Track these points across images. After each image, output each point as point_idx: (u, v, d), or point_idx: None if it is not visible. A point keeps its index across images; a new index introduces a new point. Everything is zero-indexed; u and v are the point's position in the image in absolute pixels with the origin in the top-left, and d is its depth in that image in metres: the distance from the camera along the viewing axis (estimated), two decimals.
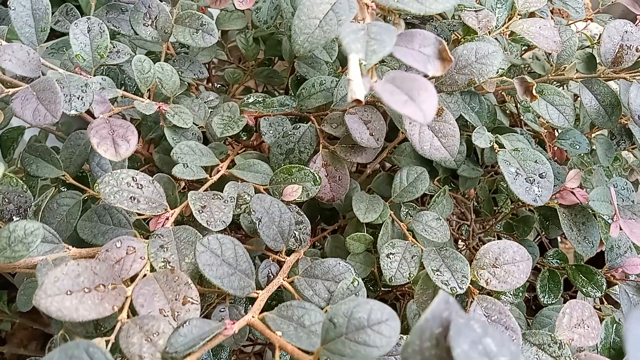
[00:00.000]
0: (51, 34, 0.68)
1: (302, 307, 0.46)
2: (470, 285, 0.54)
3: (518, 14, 0.63)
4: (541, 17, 0.73)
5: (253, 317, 0.46)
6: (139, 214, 0.64)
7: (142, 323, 0.43)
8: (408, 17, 0.72)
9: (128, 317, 0.44)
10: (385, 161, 0.74)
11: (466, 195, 0.73)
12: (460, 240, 0.83)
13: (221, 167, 0.67)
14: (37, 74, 0.58)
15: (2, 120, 0.56)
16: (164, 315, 0.45)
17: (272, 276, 0.60)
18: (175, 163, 0.64)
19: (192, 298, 0.46)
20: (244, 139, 0.77)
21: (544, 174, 0.58)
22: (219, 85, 0.92)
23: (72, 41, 0.62)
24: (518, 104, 0.75)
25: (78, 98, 0.58)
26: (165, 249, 0.51)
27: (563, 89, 0.80)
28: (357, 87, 0.36)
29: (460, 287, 0.53)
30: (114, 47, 0.68)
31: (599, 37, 0.64)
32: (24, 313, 0.90)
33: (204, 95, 0.76)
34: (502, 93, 0.79)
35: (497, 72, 0.60)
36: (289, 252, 0.61)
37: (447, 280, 0.53)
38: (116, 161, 0.57)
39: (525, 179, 0.58)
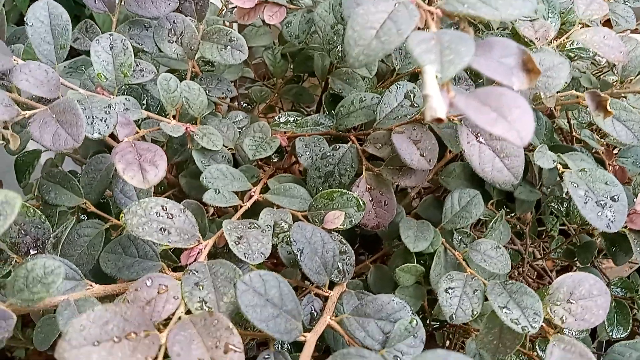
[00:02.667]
0: (68, 52, 0.64)
1: (362, 355, 0.40)
2: (543, 324, 0.47)
3: (580, 23, 0.57)
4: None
5: None
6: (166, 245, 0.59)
7: None
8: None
9: None
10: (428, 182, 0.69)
11: (520, 220, 0.67)
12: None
13: (254, 192, 0.61)
14: (56, 95, 0.53)
15: (18, 145, 0.52)
16: None
17: (315, 313, 0.54)
18: (204, 188, 0.59)
19: (234, 345, 0.40)
20: (275, 160, 0.72)
21: (616, 197, 0.52)
22: (244, 105, 0.87)
23: (94, 59, 0.58)
24: (570, 120, 0.69)
25: (101, 120, 0.53)
26: (200, 287, 0.45)
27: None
28: (437, 104, 0.31)
29: (532, 327, 0.47)
30: (137, 65, 0.64)
31: None
32: None
33: (232, 115, 0.71)
34: (552, 109, 0.73)
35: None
36: (331, 285, 0.55)
37: (517, 319, 0.47)
38: (143, 188, 0.52)
39: (596, 202, 0.52)
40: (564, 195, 0.78)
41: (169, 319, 0.43)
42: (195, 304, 0.44)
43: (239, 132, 0.69)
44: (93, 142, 0.91)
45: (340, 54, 0.60)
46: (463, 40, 0.34)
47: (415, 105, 0.58)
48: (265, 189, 0.62)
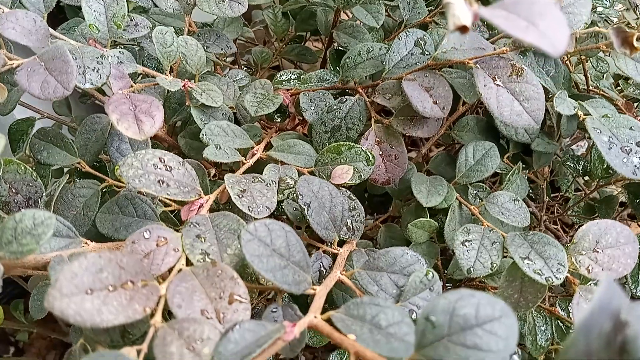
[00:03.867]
0: (61, 16, 0.60)
1: (376, 304, 0.37)
2: (568, 275, 0.45)
3: None
4: None
5: (315, 317, 0.37)
6: (166, 205, 0.56)
7: (181, 328, 0.34)
8: None
9: (163, 321, 0.36)
10: (438, 140, 0.65)
11: (538, 175, 0.64)
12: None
13: (257, 150, 0.58)
14: (45, 45, 0.50)
15: (5, 99, 0.49)
16: (207, 318, 0.36)
17: (324, 270, 0.51)
18: (205, 147, 0.56)
19: (239, 296, 0.38)
20: (278, 121, 0.69)
21: None
22: (245, 69, 0.83)
23: (85, 9, 0.54)
24: (587, 71, 0.66)
25: (93, 70, 0.50)
26: (202, 239, 0.42)
27: None
28: (461, 11, 0.28)
29: (556, 277, 0.44)
30: (131, 20, 0.60)
31: None
32: (41, 322, 0.82)
33: (232, 73, 0.68)
34: (566, 62, 0.70)
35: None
36: (341, 244, 0.52)
37: (539, 270, 0.44)
38: (140, 140, 0.49)
39: (621, 148, 0.49)
40: (579, 154, 0.75)
41: (168, 273, 0.40)
42: (197, 255, 0.41)
43: (240, 91, 0.66)
44: (89, 110, 0.88)
45: None
46: None
47: (427, 52, 0.55)
48: (269, 148, 0.59)
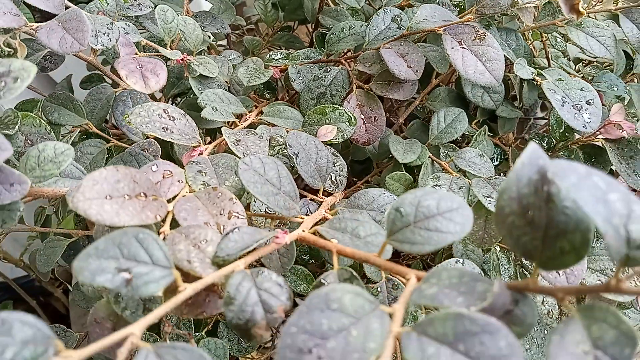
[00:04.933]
0: None
1: (356, 219, 0.42)
2: None
3: None
4: None
5: (304, 231, 0.42)
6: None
7: (187, 232, 0.40)
8: None
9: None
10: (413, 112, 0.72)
11: (503, 141, 0.70)
12: None
13: (249, 116, 0.64)
14: (61, 11, 0.56)
15: (25, 55, 0.54)
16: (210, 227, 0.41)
17: (311, 214, 0.56)
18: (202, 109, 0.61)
19: (237, 213, 0.43)
20: (268, 97, 0.75)
21: (591, 101, 0.56)
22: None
23: None
24: (547, 49, 0.73)
25: (104, 34, 0.55)
26: (203, 174, 0.48)
27: None
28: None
29: None
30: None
31: None
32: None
33: (227, 53, 0.74)
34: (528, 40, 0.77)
35: None
36: (327, 195, 0.58)
37: None
38: (146, 92, 0.54)
39: (573, 106, 0.56)
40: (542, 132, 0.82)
41: (174, 199, 0.45)
42: (198, 185, 0.46)
43: (233, 68, 0.72)
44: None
45: None
46: None
47: (402, 27, 0.62)
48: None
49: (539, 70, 0.60)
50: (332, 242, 0.40)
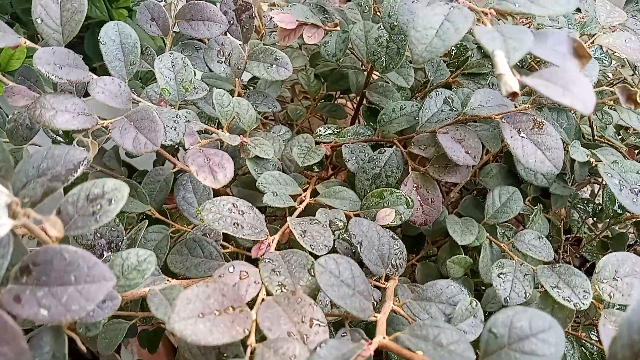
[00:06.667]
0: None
1: (437, 325, 0.43)
2: (594, 301, 0.51)
3: (602, 28, 0.63)
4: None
5: (384, 338, 0.43)
6: (224, 248, 0.62)
7: (276, 346, 0.40)
8: None
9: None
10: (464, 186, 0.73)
11: (555, 216, 0.71)
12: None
13: (305, 197, 0.65)
14: (128, 107, 0.58)
15: (96, 152, 0.56)
16: (294, 339, 0.42)
17: (375, 303, 0.57)
18: (260, 194, 0.63)
19: (318, 320, 0.44)
20: (317, 171, 0.76)
21: None
22: (281, 124, 0.92)
23: (158, 76, 0.62)
24: (593, 123, 0.74)
25: (171, 128, 0.57)
26: (277, 273, 0.49)
27: None
28: (511, 81, 0.35)
29: (582, 303, 0.50)
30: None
31: None
32: None
33: (276, 129, 0.76)
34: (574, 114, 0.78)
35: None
36: (386, 279, 0.59)
37: (568, 297, 0.51)
38: (214, 187, 0.56)
39: (630, 190, 0.56)
40: (589, 197, 0.82)
41: (252, 302, 0.46)
42: (275, 287, 0.47)
43: (284, 145, 0.74)
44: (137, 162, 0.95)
45: (384, 63, 0.65)
46: (523, 31, 0.39)
47: (454, 109, 0.63)
48: (314, 195, 0.66)
49: (592, 151, 0.61)
50: (418, 354, 0.41)
